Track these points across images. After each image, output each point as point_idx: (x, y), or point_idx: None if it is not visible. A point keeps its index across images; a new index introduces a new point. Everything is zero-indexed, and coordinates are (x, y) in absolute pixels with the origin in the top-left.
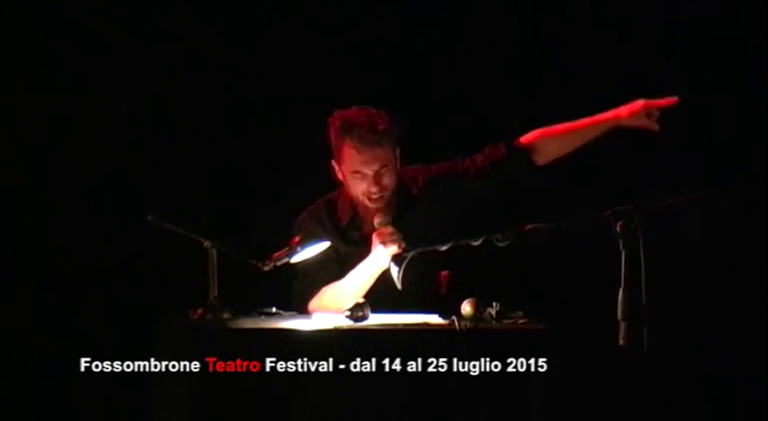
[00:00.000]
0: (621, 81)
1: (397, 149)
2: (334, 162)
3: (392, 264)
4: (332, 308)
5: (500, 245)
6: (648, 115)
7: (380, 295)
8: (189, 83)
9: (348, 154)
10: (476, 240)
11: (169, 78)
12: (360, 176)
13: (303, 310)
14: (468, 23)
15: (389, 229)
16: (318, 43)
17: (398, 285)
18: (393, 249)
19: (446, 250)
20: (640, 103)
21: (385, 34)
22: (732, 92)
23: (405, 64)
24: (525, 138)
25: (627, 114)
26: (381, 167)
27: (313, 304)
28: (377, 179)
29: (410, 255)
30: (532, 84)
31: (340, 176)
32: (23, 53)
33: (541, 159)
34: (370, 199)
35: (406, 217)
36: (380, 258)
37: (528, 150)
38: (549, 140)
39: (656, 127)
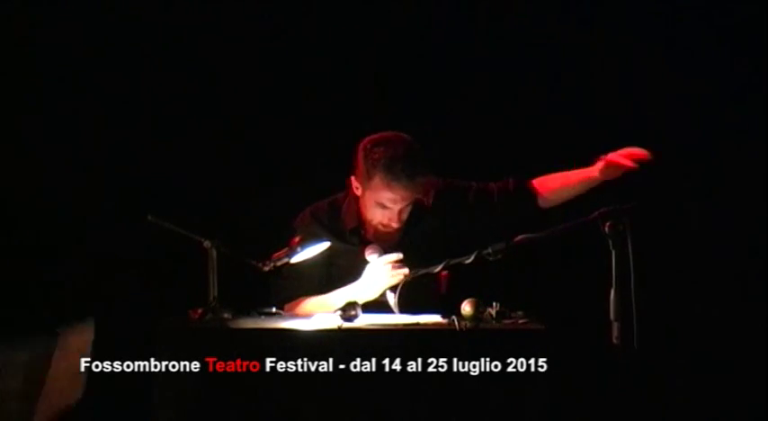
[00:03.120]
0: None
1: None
2: (354, 179)
3: (388, 292)
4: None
5: (491, 259)
6: (616, 168)
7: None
8: (189, 82)
9: (379, 186)
10: (468, 258)
11: (170, 78)
12: (381, 207)
13: (279, 309)
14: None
15: (405, 273)
16: (320, 43)
17: (396, 310)
18: (388, 281)
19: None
20: (613, 161)
21: (394, 37)
22: (730, 91)
23: (410, 68)
24: (536, 182)
25: (597, 174)
26: (407, 205)
27: (290, 309)
28: (399, 214)
29: (403, 280)
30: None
31: (358, 193)
32: (24, 52)
33: (544, 204)
34: (384, 226)
35: (414, 230)
36: (370, 288)
37: (535, 193)
38: (551, 181)
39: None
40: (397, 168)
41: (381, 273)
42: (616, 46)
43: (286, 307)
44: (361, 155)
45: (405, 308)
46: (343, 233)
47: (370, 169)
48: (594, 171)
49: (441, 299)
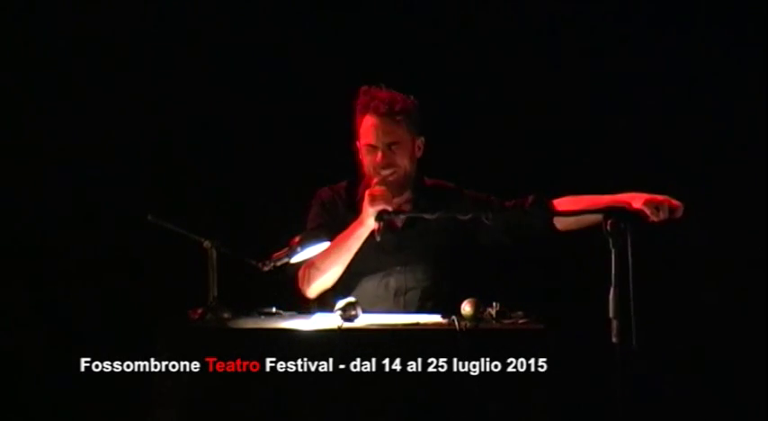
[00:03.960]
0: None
1: (420, 139)
2: (357, 143)
3: (375, 221)
4: (318, 269)
5: (488, 222)
6: (660, 207)
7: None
8: (189, 82)
9: (364, 127)
10: (465, 216)
11: (170, 78)
12: (371, 149)
13: (295, 277)
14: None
15: (382, 189)
16: (322, 43)
17: (377, 238)
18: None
19: (447, 253)
20: (659, 198)
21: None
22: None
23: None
24: (558, 202)
25: (639, 205)
26: (393, 143)
27: (301, 270)
28: (386, 153)
29: (394, 215)
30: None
31: (360, 155)
32: (25, 52)
33: (561, 226)
34: (379, 174)
35: (419, 224)
36: (365, 218)
37: (552, 205)
38: (572, 204)
39: (658, 219)
40: (375, 98)
41: (366, 198)
42: (615, 45)
43: (300, 271)
44: (355, 105)
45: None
46: (356, 204)
47: (357, 112)
48: (637, 202)
49: (440, 250)
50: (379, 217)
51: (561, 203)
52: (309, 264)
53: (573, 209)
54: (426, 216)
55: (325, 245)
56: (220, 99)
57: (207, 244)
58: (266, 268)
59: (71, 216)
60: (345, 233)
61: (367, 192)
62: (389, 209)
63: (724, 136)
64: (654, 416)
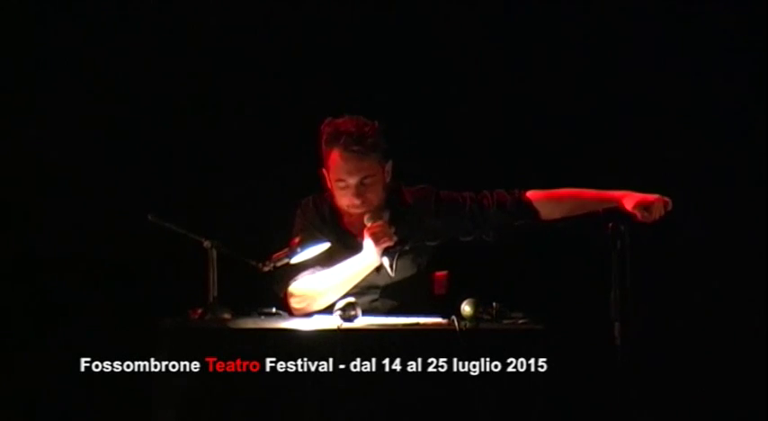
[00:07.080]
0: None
1: (388, 164)
2: (324, 170)
3: (384, 257)
4: (313, 297)
5: (488, 240)
6: (651, 208)
7: (377, 299)
8: (188, 83)
9: (333, 162)
10: (467, 237)
11: (169, 78)
12: (344, 186)
13: (281, 293)
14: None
15: (381, 223)
16: (319, 44)
17: (391, 273)
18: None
19: (446, 251)
20: (650, 199)
21: (390, 42)
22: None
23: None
24: (533, 195)
25: (631, 207)
26: (365, 178)
27: (293, 290)
28: (359, 190)
29: (400, 248)
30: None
31: (329, 185)
32: (23, 50)
33: (545, 217)
34: (351, 210)
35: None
36: (370, 256)
37: (534, 206)
38: (555, 204)
39: (650, 220)
40: (343, 133)
41: (367, 237)
42: (612, 42)
43: (289, 289)
44: (319, 139)
45: (402, 289)
46: (335, 217)
47: (324, 145)
48: (629, 203)
49: (436, 299)
50: (390, 254)
51: (538, 195)
52: (302, 286)
53: (557, 199)
54: (429, 243)
55: (325, 245)
56: (221, 98)
57: (207, 244)
58: (266, 268)
59: (71, 215)
60: (346, 269)
61: (366, 230)
62: (392, 243)
63: (723, 134)
64: (653, 416)
